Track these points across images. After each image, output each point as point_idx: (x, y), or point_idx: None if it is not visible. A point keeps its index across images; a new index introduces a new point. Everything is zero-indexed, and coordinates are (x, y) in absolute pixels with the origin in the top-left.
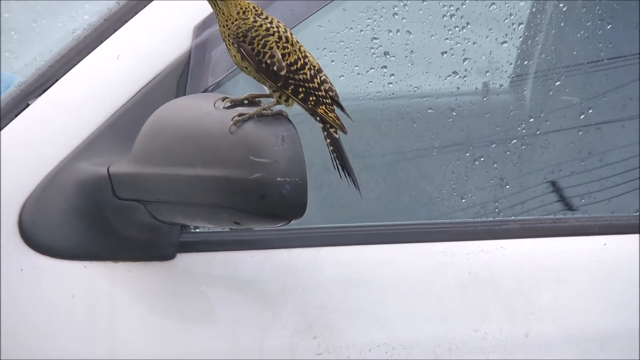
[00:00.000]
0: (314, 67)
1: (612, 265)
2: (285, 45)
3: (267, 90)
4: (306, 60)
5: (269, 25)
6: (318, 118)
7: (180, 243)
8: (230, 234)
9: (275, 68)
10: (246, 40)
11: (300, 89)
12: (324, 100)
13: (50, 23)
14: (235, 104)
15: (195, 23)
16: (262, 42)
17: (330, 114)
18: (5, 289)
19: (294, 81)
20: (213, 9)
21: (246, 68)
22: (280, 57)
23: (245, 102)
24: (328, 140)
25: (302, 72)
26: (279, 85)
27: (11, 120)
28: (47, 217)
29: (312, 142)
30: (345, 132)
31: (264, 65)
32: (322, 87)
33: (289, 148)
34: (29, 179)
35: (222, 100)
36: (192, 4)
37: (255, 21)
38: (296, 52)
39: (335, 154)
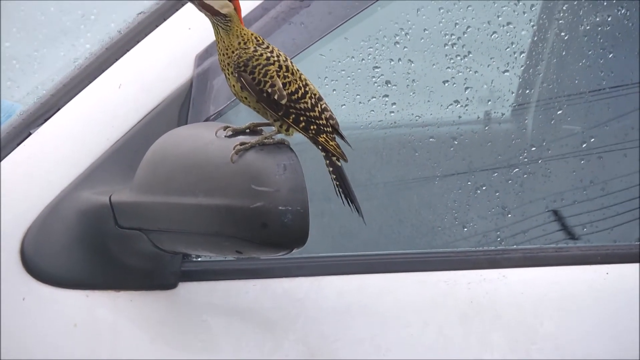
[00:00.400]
0: (315, 95)
1: (614, 294)
2: (286, 74)
3: (267, 120)
4: (307, 89)
5: (269, 54)
6: (320, 147)
7: (182, 272)
8: (232, 262)
9: (276, 97)
10: (247, 69)
11: (301, 118)
12: (325, 128)
13: (52, 52)
14: (237, 132)
15: (196, 52)
16: (262, 71)
17: (331, 143)
18: (7, 318)
19: (294, 110)
20: (215, 36)
21: (246, 98)
22: (281, 86)
23: (247, 131)
24: (330, 169)
25: (302, 101)
26: (280, 114)
27: (13, 149)
28: (49, 246)
29: (314, 170)
30: (345, 160)
31: (264, 94)
32: (322, 116)
33: (291, 177)
34: (31, 207)
35: (224, 129)
36: (194, 33)
37: (256, 50)
38: (297, 81)
39: (337, 182)
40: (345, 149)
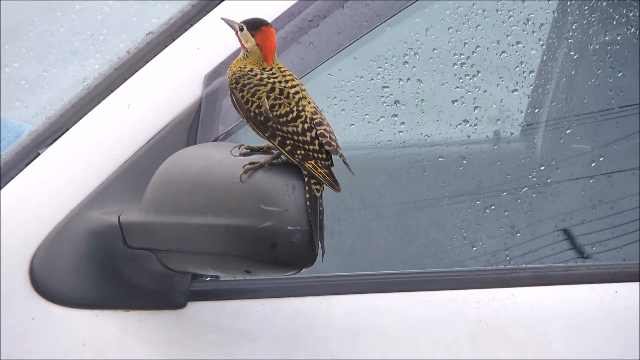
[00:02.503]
0: (312, 120)
1: (623, 313)
2: (278, 96)
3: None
4: (301, 114)
5: (264, 76)
6: (305, 172)
7: (191, 291)
8: (241, 282)
9: (262, 118)
10: (237, 87)
11: (288, 142)
12: (316, 154)
13: (61, 72)
14: (252, 151)
15: (205, 72)
16: (252, 90)
17: (319, 170)
18: (17, 338)
19: (281, 132)
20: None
21: (240, 116)
22: (267, 107)
23: (261, 150)
24: (307, 196)
25: (292, 124)
26: (266, 135)
27: (22, 170)
28: (58, 266)
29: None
30: (337, 190)
31: (252, 114)
32: (316, 142)
33: (300, 197)
34: (40, 228)
35: (239, 148)
36: (203, 53)
37: (251, 70)
38: (290, 104)
39: (309, 210)
40: (346, 177)
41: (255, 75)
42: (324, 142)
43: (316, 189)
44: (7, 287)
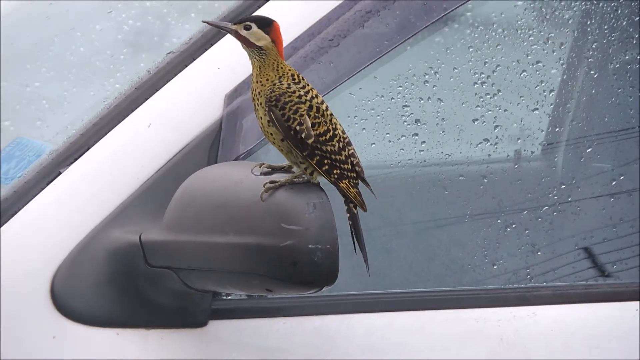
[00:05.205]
0: (344, 140)
1: None
2: (316, 114)
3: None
4: (336, 132)
5: (302, 92)
6: (340, 192)
7: (212, 310)
8: (262, 300)
9: (303, 136)
10: (278, 104)
11: (326, 161)
12: (349, 174)
13: (82, 92)
14: (273, 169)
15: (226, 91)
16: (294, 108)
17: (352, 190)
18: (38, 356)
19: (320, 152)
20: (252, 66)
21: (271, 134)
22: (309, 125)
23: (282, 169)
24: (348, 215)
25: (330, 143)
26: (304, 154)
27: (43, 189)
28: (79, 285)
29: (344, 209)
30: (364, 210)
31: (292, 132)
32: (349, 161)
33: (321, 215)
34: (61, 247)
35: (260, 167)
36: (223, 73)
37: (289, 87)
38: (327, 123)
39: (352, 229)
40: (367, 195)
41: (294, 92)
42: (354, 162)
43: (353, 206)
44: (28, 306)
